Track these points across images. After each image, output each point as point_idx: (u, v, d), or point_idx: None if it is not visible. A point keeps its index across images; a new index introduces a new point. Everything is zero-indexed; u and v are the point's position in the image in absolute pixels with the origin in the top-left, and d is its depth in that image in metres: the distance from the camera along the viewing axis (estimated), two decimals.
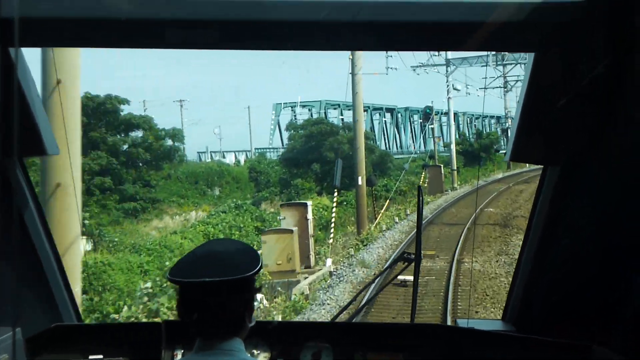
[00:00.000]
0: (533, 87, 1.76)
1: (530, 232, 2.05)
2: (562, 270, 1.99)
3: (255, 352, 2.24)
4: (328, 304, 11.56)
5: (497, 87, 48.56)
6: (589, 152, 1.72)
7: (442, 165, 35.66)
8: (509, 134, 2.03)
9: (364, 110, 51.80)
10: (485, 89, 46.19)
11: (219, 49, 1.75)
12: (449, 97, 39.60)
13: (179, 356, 2.24)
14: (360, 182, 20.97)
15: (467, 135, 57.17)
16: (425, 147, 54.22)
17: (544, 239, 1.98)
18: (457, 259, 14.09)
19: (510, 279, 2.44)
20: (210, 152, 54.73)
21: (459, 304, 10.94)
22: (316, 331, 2.28)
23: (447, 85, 39.21)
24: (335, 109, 47.52)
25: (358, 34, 1.66)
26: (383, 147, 48.87)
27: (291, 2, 1.61)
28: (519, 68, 46.62)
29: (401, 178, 31.30)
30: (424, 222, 15.29)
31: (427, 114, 39.19)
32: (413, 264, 2.23)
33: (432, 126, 41.56)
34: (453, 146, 39.39)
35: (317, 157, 34.20)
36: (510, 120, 49.95)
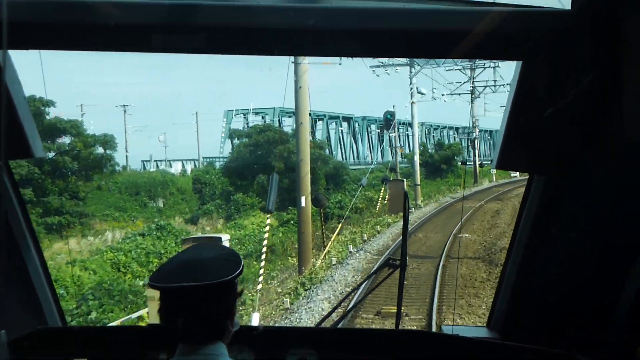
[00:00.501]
0: (520, 95, 1.95)
1: (515, 240, 2.26)
2: (547, 279, 2.20)
3: (238, 357, 2.35)
4: None
5: (464, 93, 49.93)
6: (575, 161, 1.93)
7: (404, 180, 34.04)
8: (496, 142, 2.22)
9: (319, 119, 53.81)
10: (452, 94, 47.81)
11: (206, 53, 1.93)
12: (412, 102, 38.06)
13: None
14: (303, 204, 16.68)
15: (427, 146, 59.05)
16: (383, 158, 55.71)
17: (530, 246, 2.19)
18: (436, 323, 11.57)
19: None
20: (155, 160, 54.00)
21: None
22: (301, 337, 2.44)
23: (411, 88, 37.64)
24: (290, 116, 47.86)
25: (344, 40, 1.82)
26: (340, 158, 49.93)
27: (279, 8, 1.75)
28: (489, 72, 48.93)
29: (358, 194, 30.28)
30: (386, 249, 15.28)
31: (387, 120, 37.13)
32: (398, 270, 2.40)
33: (393, 134, 40.01)
34: (417, 157, 38.20)
35: (263, 168, 34.04)
36: (477, 130, 51.61)
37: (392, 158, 41.88)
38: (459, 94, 49.62)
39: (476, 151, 51.32)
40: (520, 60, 1.91)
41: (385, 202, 31.39)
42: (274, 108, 48.36)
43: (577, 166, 1.93)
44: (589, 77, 1.76)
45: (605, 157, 1.86)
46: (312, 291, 14.25)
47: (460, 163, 52.98)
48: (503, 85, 49.21)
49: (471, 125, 51.53)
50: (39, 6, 1.69)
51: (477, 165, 50.08)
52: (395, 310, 2.52)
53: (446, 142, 62.24)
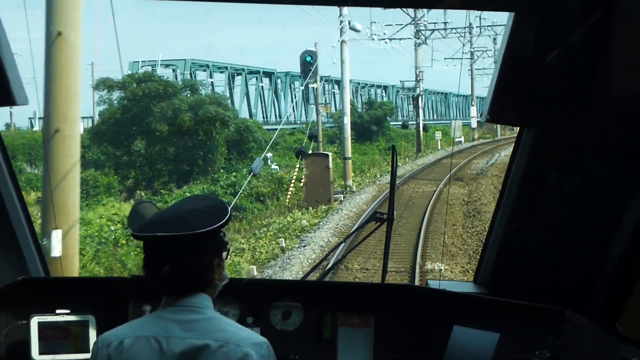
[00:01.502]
0: (511, 48, 2.61)
1: (504, 194, 3.01)
2: (535, 234, 2.94)
3: (224, 309, 3.07)
4: None
5: (406, 39, 51.77)
6: (565, 114, 2.61)
7: (329, 154, 30.02)
8: (487, 95, 2.94)
9: (237, 74, 56.28)
10: (392, 39, 49.48)
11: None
12: (342, 41, 34.72)
13: (147, 312, 3.04)
14: None
15: (355, 104, 61.59)
16: (307, 118, 57.59)
17: (518, 201, 2.93)
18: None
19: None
20: (39, 118, 52.90)
21: None
22: (286, 290, 3.17)
23: (341, 22, 33.72)
24: (204, 70, 50.56)
25: None
26: (260, 118, 52.34)
27: None
28: (438, 14, 51.12)
29: (250, 179, 26.71)
30: None
31: (306, 64, 32.97)
32: (385, 223, 3.13)
33: (314, 84, 36.49)
34: (347, 119, 35.37)
35: (140, 131, 33.65)
36: (421, 85, 54.07)
37: (313, 119, 40.24)
38: (400, 39, 51.30)
39: (420, 112, 53.03)
40: (512, 11, 2.55)
41: (302, 185, 28.57)
42: (184, 60, 50.15)
43: (567, 119, 2.64)
44: (579, 30, 2.41)
45: (595, 110, 2.56)
46: None
47: (403, 127, 55.22)
48: (454, 30, 52.13)
49: (415, 78, 52.93)
50: None
51: (421, 130, 51.58)
52: (382, 264, 3.26)
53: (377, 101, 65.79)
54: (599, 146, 2.61)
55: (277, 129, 36.02)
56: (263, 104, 58.86)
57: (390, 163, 3.14)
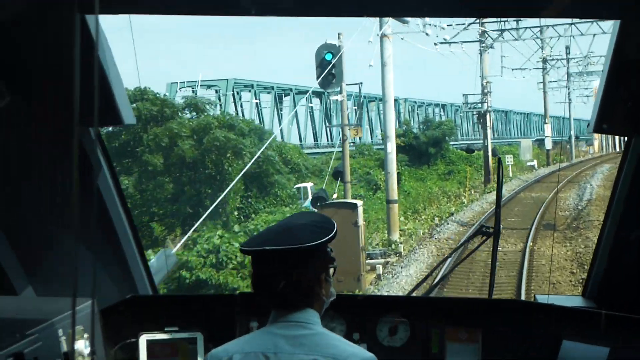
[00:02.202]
0: (618, 56, 3.22)
1: (612, 205, 3.62)
2: None
3: (330, 325, 3.82)
4: None
5: (469, 41, 53.36)
6: None
7: (359, 203, 25.31)
8: (594, 104, 3.61)
9: (285, 94, 63.11)
10: (451, 42, 50.18)
11: (298, 15, 3.33)
12: (383, 35, 29.88)
13: (254, 329, 3.80)
14: None
15: (411, 124, 65.80)
16: (332, 141, 61.33)
17: (628, 213, 3.52)
18: None
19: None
20: None
21: None
22: (393, 306, 3.92)
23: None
24: (249, 90, 56.12)
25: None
26: (295, 141, 58.19)
27: None
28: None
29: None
30: None
31: (324, 64, 26.87)
32: (492, 238, 3.86)
33: (337, 97, 31.26)
34: (392, 144, 30.88)
35: (132, 163, 34.22)
36: (489, 99, 54.68)
37: (336, 144, 40.28)
38: (461, 43, 51.94)
39: (488, 132, 53.11)
40: (618, 19, 3.17)
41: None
42: (227, 80, 55.10)
43: None
44: None
45: None
46: None
47: (463, 148, 56.08)
48: (530, 29, 54.16)
49: (481, 90, 53.08)
50: None
51: (489, 155, 51.16)
52: (489, 279, 3.99)
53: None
54: None
55: (325, 153, 35.77)
56: (313, 125, 64.71)
57: (497, 175, 3.86)
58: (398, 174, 41.11)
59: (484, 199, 42.99)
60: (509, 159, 58.60)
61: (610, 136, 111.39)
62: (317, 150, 62.36)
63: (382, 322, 3.95)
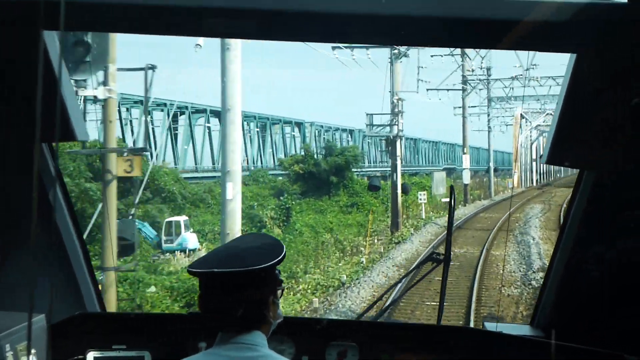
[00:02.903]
0: (573, 89, 3.68)
1: (563, 237, 4.18)
2: (594, 277, 4.07)
3: (279, 347, 4.25)
4: None
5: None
6: (627, 157, 3.61)
7: None
8: (548, 135, 4.08)
9: (180, 112, 64.08)
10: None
11: (259, 39, 3.80)
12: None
13: (203, 349, 4.20)
14: None
15: (313, 150, 66.49)
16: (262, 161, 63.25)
17: (578, 244, 4.06)
18: None
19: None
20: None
21: None
22: (342, 329, 4.43)
23: None
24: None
25: (397, 27, 3.57)
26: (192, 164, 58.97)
27: None
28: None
29: None
30: None
31: None
32: (442, 264, 4.41)
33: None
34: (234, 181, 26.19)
35: None
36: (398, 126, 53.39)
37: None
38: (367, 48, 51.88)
39: (398, 163, 48.98)
40: (573, 52, 3.63)
41: None
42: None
43: (629, 162, 3.69)
44: None
45: None
46: None
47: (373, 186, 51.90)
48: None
49: (391, 109, 49.56)
50: None
51: (399, 189, 48.07)
52: (438, 305, 4.58)
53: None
54: None
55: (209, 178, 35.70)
56: (211, 147, 66.38)
57: (448, 204, 4.42)
58: (287, 208, 41.48)
59: (389, 258, 35.53)
60: (422, 197, 57.44)
61: (528, 170, 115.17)
62: (197, 174, 63.40)
63: (332, 346, 4.44)
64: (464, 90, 69.40)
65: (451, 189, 4.52)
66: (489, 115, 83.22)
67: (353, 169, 64.87)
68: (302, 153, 63.53)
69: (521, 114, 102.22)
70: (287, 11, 3.43)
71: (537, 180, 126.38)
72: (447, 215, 4.51)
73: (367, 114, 51.53)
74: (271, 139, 72.54)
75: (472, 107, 76.24)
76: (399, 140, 50.38)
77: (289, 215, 47.14)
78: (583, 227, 4.15)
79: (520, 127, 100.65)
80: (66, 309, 4.37)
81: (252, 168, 65.93)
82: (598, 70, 3.63)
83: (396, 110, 49.80)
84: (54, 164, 4.12)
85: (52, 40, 3.53)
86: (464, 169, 70.69)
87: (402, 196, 50.20)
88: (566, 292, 4.37)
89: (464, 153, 71.36)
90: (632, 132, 3.70)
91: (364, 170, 73.58)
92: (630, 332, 4.05)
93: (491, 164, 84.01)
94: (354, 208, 58.22)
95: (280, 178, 59.63)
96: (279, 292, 3.47)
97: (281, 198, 49.09)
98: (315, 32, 3.74)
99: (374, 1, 3.46)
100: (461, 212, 57.24)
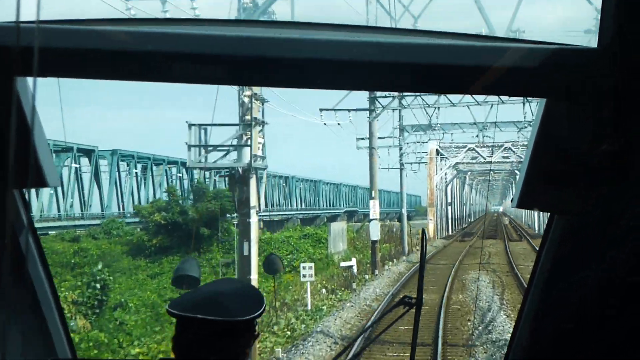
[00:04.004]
0: (543, 133, 4.44)
1: (534, 281, 5.04)
2: (567, 320, 4.87)
3: None
4: None
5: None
6: (598, 202, 4.37)
7: None
8: (518, 179, 4.76)
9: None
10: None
11: (228, 84, 4.93)
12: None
13: None
14: None
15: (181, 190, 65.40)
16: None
17: (548, 289, 4.91)
18: None
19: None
20: None
21: None
22: None
23: None
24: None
25: (361, 73, 4.28)
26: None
27: (306, 41, 4.11)
28: None
29: None
30: None
31: None
32: (414, 308, 5.20)
33: None
34: None
35: None
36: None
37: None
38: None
39: (253, 214, 38.20)
40: (543, 97, 4.41)
41: None
42: None
43: (599, 209, 4.47)
44: (614, 118, 4.09)
45: (630, 200, 4.32)
46: None
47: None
48: None
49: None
50: (63, 34, 3.95)
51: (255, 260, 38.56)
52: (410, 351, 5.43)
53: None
54: (633, 237, 4.31)
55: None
56: (80, 187, 69.24)
57: (420, 245, 5.16)
58: (103, 286, 40.28)
59: None
60: (307, 271, 47.62)
61: (444, 216, 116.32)
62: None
63: None
64: (371, 112, 64.44)
65: (422, 232, 5.35)
66: (401, 148, 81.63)
67: (231, 218, 63.22)
68: (166, 197, 64.04)
69: (437, 149, 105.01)
70: (256, 57, 4.00)
71: (452, 228, 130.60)
72: (420, 256, 5.14)
73: (190, 125, 41.23)
74: (152, 181, 75.43)
75: (381, 138, 72.43)
76: (253, 177, 41.64)
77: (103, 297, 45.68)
78: (553, 272, 4.98)
79: (436, 164, 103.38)
80: (38, 356, 5.19)
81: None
82: (568, 115, 4.32)
83: (247, 131, 41.37)
84: (25, 211, 4.86)
85: (24, 86, 4.17)
86: (372, 219, 62.80)
87: (272, 278, 44.10)
88: (539, 334, 5.27)
89: (372, 198, 63.63)
90: (603, 177, 4.38)
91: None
92: None
93: (404, 211, 78.41)
94: (230, 269, 56.66)
95: (139, 230, 59.80)
96: (253, 342, 4.18)
97: (98, 269, 47.41)
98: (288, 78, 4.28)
99: (344, 48, 4.08)
100: (367, 294, 50.53)
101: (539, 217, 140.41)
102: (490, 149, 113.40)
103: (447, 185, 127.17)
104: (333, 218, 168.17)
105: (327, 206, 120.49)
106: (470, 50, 4.07)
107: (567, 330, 4.97)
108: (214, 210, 63.23)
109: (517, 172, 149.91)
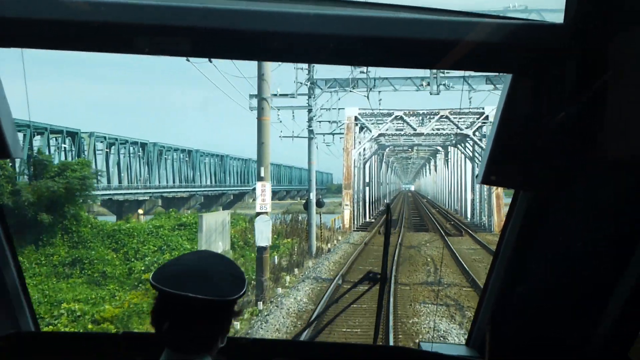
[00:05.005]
0: (508, 109, 5.65)
1: (498, 257, 6.59)
2: (530, 297, 6.39)
3: None
4: None
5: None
6: (562, 178, 5.64)
7: None
8: (483, 156, 5.98)
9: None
10: None
11: (192, 56, 6.78)
12: None
13: None
14: None
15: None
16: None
17: (512, 265, 6.40)
18: None
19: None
20: None
21: None
22: (278, 349, 6.82)
23: None
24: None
25: (331, 46, 5.39)
26: None
27: (274, 13, 5.08)
28: None
29: None
30: None
31: None
32: (378, 284, 6.80)
33: None
34: None
35: None
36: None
37: None
38: None
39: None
40: (510, 73, 5.52)
41: None
42: None
43: (564, 183, 5.70)
44: (579, 93, 5.06)
45: (593, 174, 5.49)
46: None
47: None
48: None
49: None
50: (23, 2, 4.80)
51: None
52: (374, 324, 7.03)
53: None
54: (598, 211, 5.41)
55: None
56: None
57: (385, 222, 6.53)
58: None
59: None
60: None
61: (361, 200, 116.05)
62: None
63: None
64: None
65: (387, 207, 6.74)
66: (310, 110, 78.32)
67: (83, 200, 63.63)
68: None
69: (356, 116, 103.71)
70: (218, 29, 4.78)
71: (369, 214, 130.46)
72: (384, 234, 6.55)
73: None
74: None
75: (282, 95, 73.00)
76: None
77: None
78: (517, 248, 6.17)
79: (354, 136, 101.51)
80: (3, 330, 6.28)
81: None
82: (534, 90, 5.04)
83: None
84: None
85: None
86: (260, 213, 52.71)
87: None
88: (502, 312, 6.53)
89: (260, 178, 52.71)
90: (567, 153, 5.34)
91: (105, 194, 73.58)
92: (564, 353, 6.07)
93: (312, 195, 78.06)
94: (77, 269, 56.74)
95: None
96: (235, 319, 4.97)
97: None
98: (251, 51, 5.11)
99: (310, 21, 4.76)
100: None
101: (465, 199, 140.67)
102: (420, 118, 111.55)
103: (365, 163, 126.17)
104: (240, 196, 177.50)
105: (235, 183, 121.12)
106: (437, 25, 4.73)
107: (532, 302, 6.25)
108: (59, 190, 61.32)
109: (440, 148, 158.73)
